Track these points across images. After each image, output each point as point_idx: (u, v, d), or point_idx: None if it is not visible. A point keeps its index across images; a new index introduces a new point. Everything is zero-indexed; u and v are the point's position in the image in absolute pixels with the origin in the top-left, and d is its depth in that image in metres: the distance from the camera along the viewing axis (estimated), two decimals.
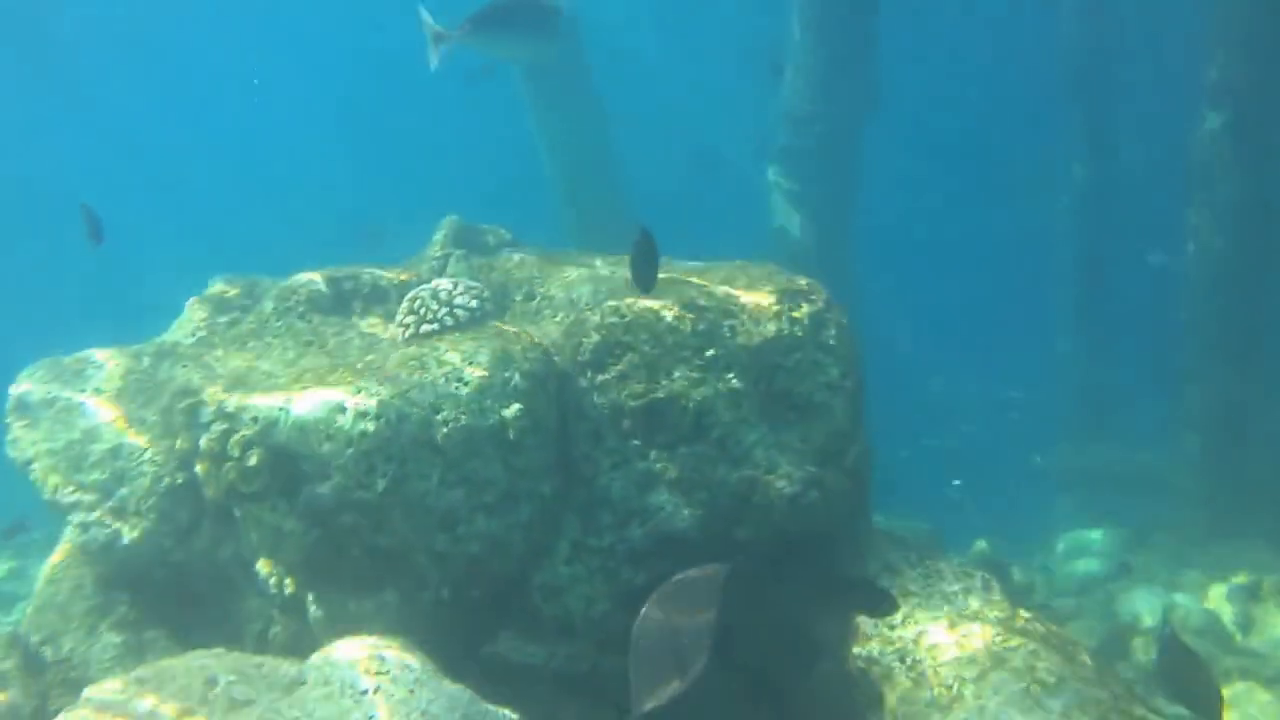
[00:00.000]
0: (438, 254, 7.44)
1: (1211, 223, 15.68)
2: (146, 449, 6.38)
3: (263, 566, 6.22)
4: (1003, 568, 11.80)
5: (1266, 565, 13.47)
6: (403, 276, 7.22)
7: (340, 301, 7.10)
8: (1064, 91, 19.70)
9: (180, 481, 6.29)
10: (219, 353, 6.62)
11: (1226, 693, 9.85)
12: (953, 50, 29.23)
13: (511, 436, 5.75)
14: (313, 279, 7.11)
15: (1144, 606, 11.57)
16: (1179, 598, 11.71)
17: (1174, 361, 16.70)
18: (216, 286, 7.15)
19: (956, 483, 16.32)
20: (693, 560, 5.88)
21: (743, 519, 6.16)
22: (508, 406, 5.75)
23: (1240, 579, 12.58)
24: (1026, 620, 6.19)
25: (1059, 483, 17.86)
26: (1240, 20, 15.05)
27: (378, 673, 5.25)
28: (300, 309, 6.91)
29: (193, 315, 7.02)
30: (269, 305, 6.94)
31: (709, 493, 6.10)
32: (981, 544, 13.26)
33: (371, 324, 6.88)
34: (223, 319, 6.95)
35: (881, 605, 6.18)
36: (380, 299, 7.13)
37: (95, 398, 6.62)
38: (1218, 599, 12.19)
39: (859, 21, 14.82)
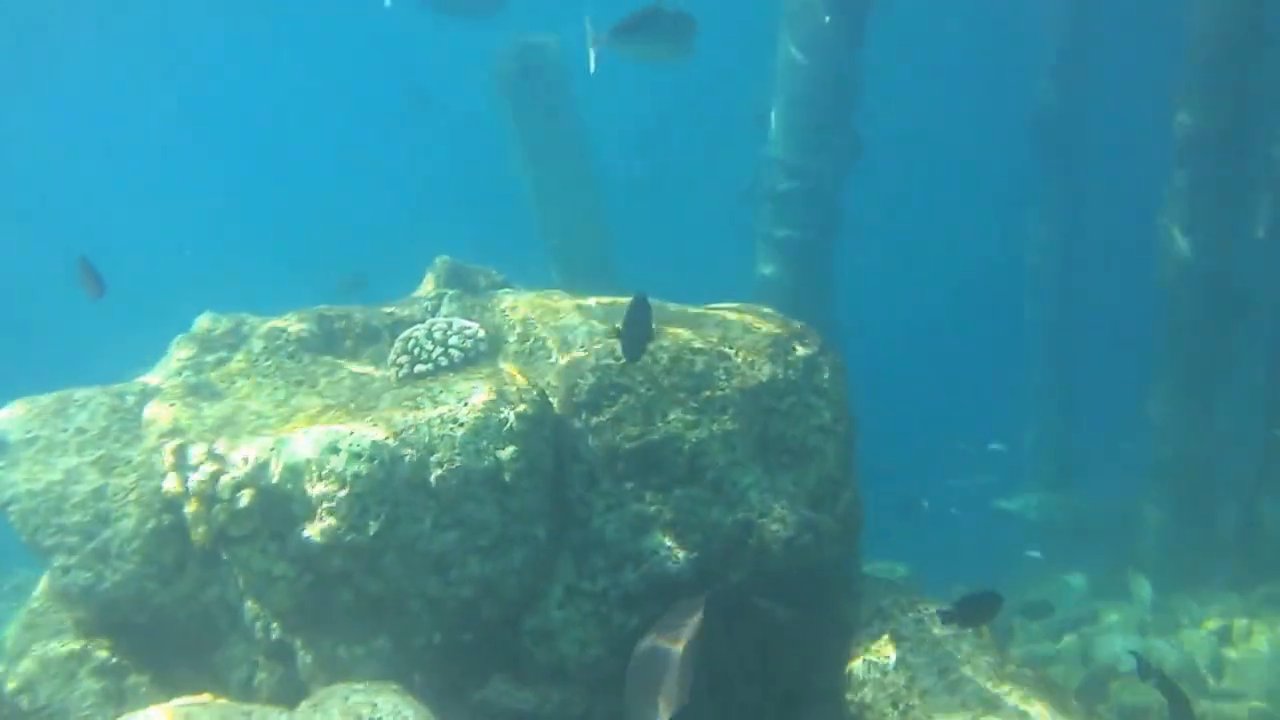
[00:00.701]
0: (431, 294, 7.42)
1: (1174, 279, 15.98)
2: (131, 490, 6.29)
3: (250, 610, 6.15)
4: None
5: (1234, 609, 13.64)
6: (395, 317, 7.18)
7: (331, 341, 7.06)
8: (1034, 155, 20.16)
9: (166, 523, 6.20)
10: (206, 392, 6.53)
11: None
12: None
13: (507, 479, 5.73)
14: (303, 318, 7.06)
15: (1121, 651, 11.61)
16: (1155, 642, 11.78)
17: (1140, 414, 16.92)
18: (203, 323, 7.08)
19: (925, 503, 16.53)
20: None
21: (737, 562, 6.16)
22: (503, 449, 5.72)
23: (1211, 624, 12.73)
24: (1016, 666, 6.22)
25: (1030, 529, 18.04)
26: (1205, 77, 15.36)
27: (369, 719, 5.20)
28: (290, 348, 6.86)
29: (178, 353, 6.94)
30: (258, 344, 6.88)
31: (704, 535, 6.10)
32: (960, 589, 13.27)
33: (363, 364, 6.83)
34: (210, 357, 6.88)
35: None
36: (372, 339, 7.09)
37: (78, 438, 6.52)
38: (1191, 643, 12.29)
39: (846, 72, 15.06)
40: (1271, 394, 16.27)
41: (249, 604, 6.17)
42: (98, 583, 6.30)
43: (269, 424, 5.94)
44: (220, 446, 5.71)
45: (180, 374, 6.79)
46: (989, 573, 15.26)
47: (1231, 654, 12.08)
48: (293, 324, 6.99)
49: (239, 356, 6.83)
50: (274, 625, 6.08)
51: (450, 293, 7.35)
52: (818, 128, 15.13)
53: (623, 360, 6.09)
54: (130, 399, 6.69)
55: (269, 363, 6.76)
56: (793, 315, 7.09)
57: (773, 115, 15.25)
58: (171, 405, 6.31)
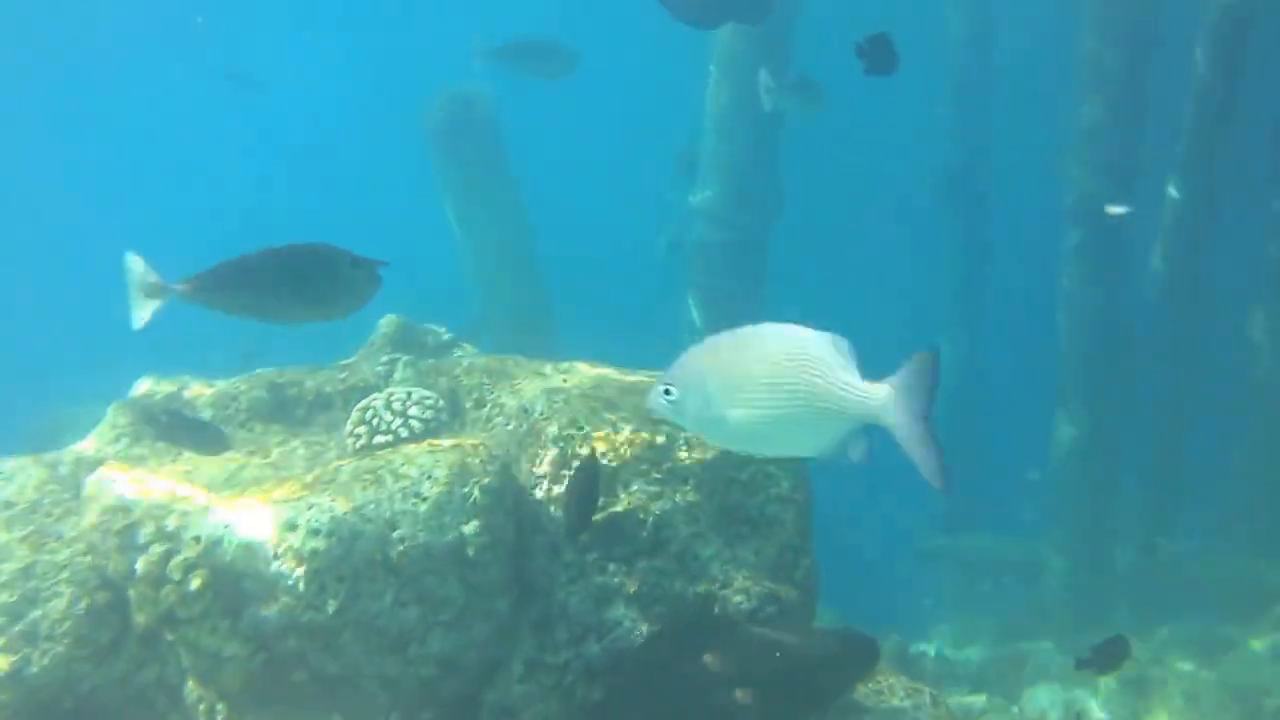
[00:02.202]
0: (383, 359, 7.34)
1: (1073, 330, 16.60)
2: (64, 568, 6.10)
3: (191, 691, 6.00)
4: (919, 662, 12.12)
5: (1139, 657, 14.06)
6: (348, 383, 7.10)
7: (282, 408, 6.96)
8: (939, 203, 20.78)
9: (102, 601, 6.05)
10: (151, 463, 6.38)
11: None
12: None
13: (470, 554, 5.71)
14: (253, 384, 6.95)
15: (1047, 703, 11.90)
16: (1078, 693, 12.08)
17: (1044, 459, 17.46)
18: (143, 387, 6.91)
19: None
20: (650, 675, 5.91)
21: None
22: (467, 523, 5.70)
23: (1127, 670, 13.09)
24: None
25: (937, 568, 18.43)
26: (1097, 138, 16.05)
27: None
28: (241, 416, 6.75)
29: (116, 419, 6.77)
30: (206, 413, 6.74)
31: (667, 607, 6.11)
32: (895, 637, 13.49)
33: (316, 434, 6.74)
34: (150, 427, 6.70)
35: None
36: (324, 406, 7.02)
37: (5, 512, 6.31)
38: (1108, 693, 12.62)
39: (768, 127, 15.44)
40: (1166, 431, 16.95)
41: (191, 684, 6.03)
42: (24, 667, 6.07)
43: (221, 498, 5.82)
44: (171, 524, 5.58)
45: (118, 441, 6.62)
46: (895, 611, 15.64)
47: (1146, 704, 12.45)
48: (243, 390, 6.87)
49: None
50: (219, 706, 5.95)
51: (404, 358, 7.29)
52: (746, 178, 15.48)
53: (585, 430, 6.10)
54: (64, 469, 6.52)
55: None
56: None
57: (700, 163, 15.56)
58: (114, 479, 6.13)
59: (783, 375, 4.35)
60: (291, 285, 5.10)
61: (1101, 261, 16.30)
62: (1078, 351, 16.57)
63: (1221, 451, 17.16)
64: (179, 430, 6.51)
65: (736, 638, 6.04)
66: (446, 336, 7.86)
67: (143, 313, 5.11)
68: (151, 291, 5.11)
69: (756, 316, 13.86)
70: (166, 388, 6.94)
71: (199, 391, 6.97)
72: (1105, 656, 6.29)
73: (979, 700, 12.78)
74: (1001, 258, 21.62)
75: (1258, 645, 14.06)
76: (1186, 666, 13.39)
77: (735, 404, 4.47)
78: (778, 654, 6.06)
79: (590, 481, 5.64)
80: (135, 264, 5.13)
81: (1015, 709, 12.31)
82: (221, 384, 7.00)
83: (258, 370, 7.21)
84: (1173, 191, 16.42)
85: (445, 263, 17.63)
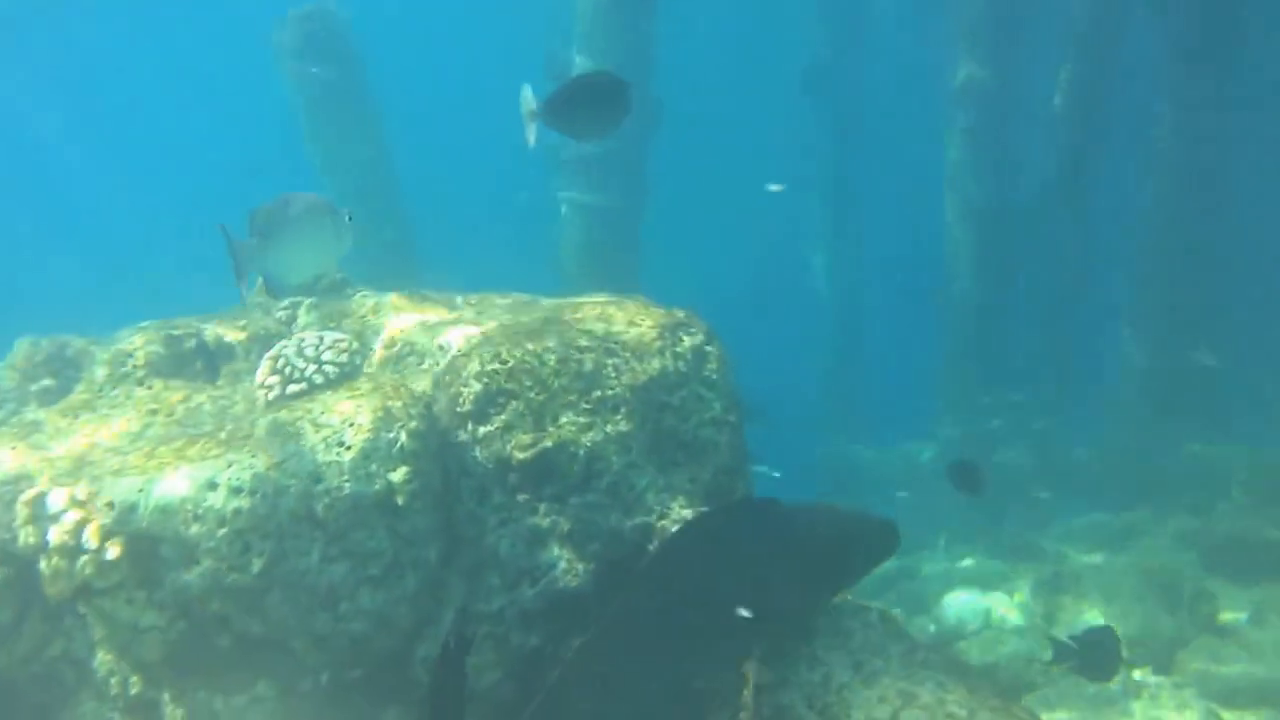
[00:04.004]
0: (283, 304, 7.11)
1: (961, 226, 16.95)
2: None
3: (103, 663, 5.84)
4: None
5: (1044, 553, 14.59)
6: (248, 331, 6.87)
7: (181, 363, 6.74)
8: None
9: (1, 578, 5.79)
10: (49, 429, 6.13)
11: (1051, 692, 10.62)
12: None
13: (399, 503, 5.65)
14: (148, 338, 6.68)
15: (966, 610, 12.22)
16: (994, 598, 12.43)
17: (934, 363, 17.87)
18: (22, 350, 6.61)
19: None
20: (589, 616, 5.90)
21: None
22: (395, 470, 5.62)
23: (1042, 572, 13.55)
24: (925, 652, 6.42)
25: (831, 480, 18.78)
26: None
27: None
28: (139, 374, 6.51)
29: (3, 385, 6.46)
30: (100, 371, 6.50)
31: (603, 544, 6.12)
32: None
33: (220, 387, 6.53)
34: (33, 387, 6.43)
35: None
36: (226, 357, 6.81)
37: None
38: (1024, 596, 13.01)
39: (637, 36, 15.26)
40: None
41: (102, 656, 5.88)
42: None
43: (130, 462, 5.64)
44: (81, 492, 5.38)
45: (6, 409, 6.34)
46: None
47: (1061, 602, 12.86)
48: (138, 346, 6.60)
49: (81, 387, 6.44)
50: (133, 679, 5.83)
51: (307, 301, 7.11)
52: None
53: (509, 364, 6.05)
54: None
55: (117, 392, 6.42)
56: (597, 279, 7.12)
57: (570, 73, 15.32)
58: (13, 448, 5.87)
59: None
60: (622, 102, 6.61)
61: (988, 145, 16.61)
62: (964, 239, 16.92)
63: (1112, 346, 17.73)
64: None
65: (776, 514, 6.06)
66: (339, 276, 7.66)
67: (530, 134, 6.40)
68: (531, 117, 6.38)
69: (634, 232, 13.86)
70: (45, 348, 6.64)
71: (85, 349, 6.68)
72: (1093, 653, 6.47)
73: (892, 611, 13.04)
74: (873, 146, 22.03)
75: (1161, 530, 14.62)
76: (1096, 559, 13.87)
77: None
78: (817, 530, 6.17)
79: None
80: (526, 94, 6.37)
81: (932, 626, 12.58)
82: (115, 342, 6.71)
83: (145, 323, 6.93)
84: (1063, 76, 16.79)
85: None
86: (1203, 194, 16.60)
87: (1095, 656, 8.44)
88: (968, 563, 14.99)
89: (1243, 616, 12.54)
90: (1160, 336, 16.81)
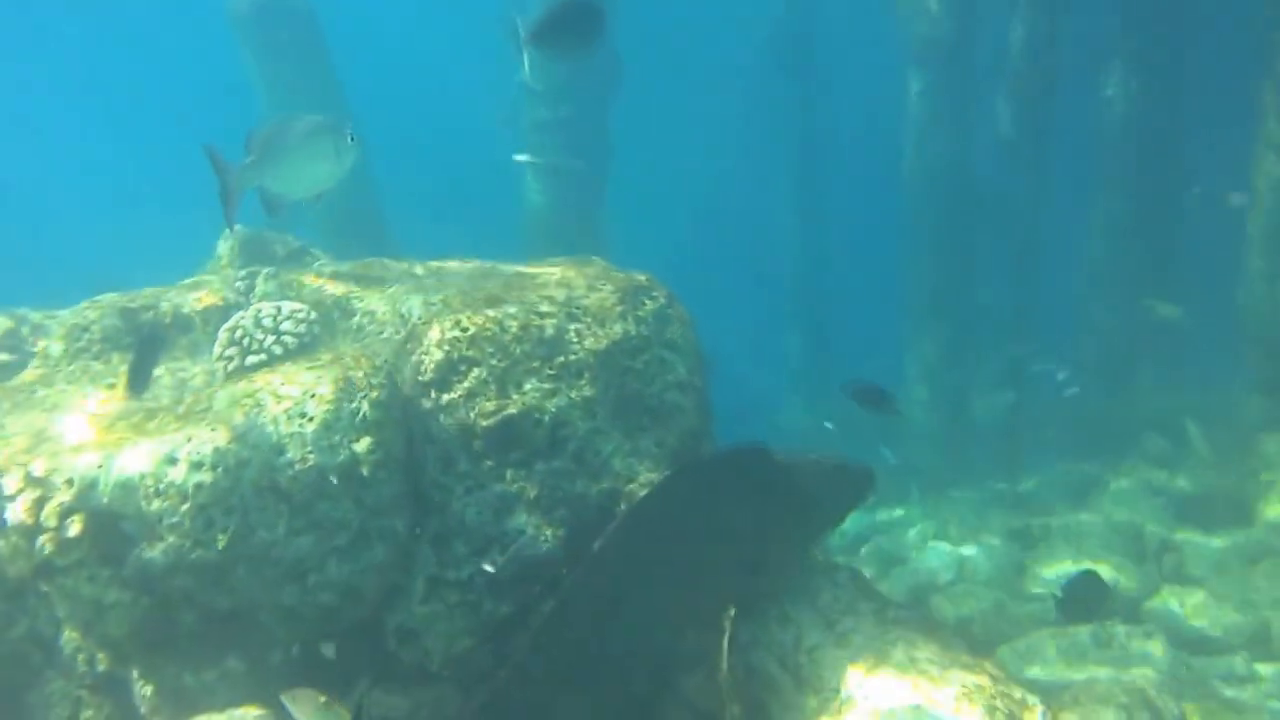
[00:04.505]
0: (240, 274, 7.00)
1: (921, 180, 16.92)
2: None
3: (69, 641, 5.77)
4: None
5: (1015, 505, 14.64)
6: (206, 302, 6.76)
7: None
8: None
9: None
10: (4, 405, 6.02)
11: (1022, 644, 10.66)
12: None
13: (364, 473, 5.58)
14: (103, 311, 6.56)
15: (938, 564, 12.24)
16: (965, 550, 12.44)
17: (896, 327, 17.87)
18: None
19: None
20: (558, 582, 5.85)
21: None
22: (358, 441, 5.55)
23: (1013, 525, 13.59)
24: (896, 609, 6.38)
25: (802, 436, 18.77)
26: None
27: None
28: (95, 348, 6.40)
29: None
30: (57, 346, 6.38)
31: (570, 510, 6.08)
32: None
33: (179, 359, 6.42)
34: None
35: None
36: (184, 329, 6.69)
37: None
38: (995, 548, 13.03)
39: None
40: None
41: (68, 635, 5.81)
42: None
43: (89, 438, 5.54)
44: (38, 469, 5.29)
45: None
46: None
47: (1031, 556, 12.91)
48: (94, 319, 6.49)
49: (36, 362, 6.31)
50: (100, 656, 5.77)
51: (264, 271, 7.00)
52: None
53: (471, 331, 5.98)
54: None
55: (73, 366, 6.31)
56: (560, 243, 7.06)
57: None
58: None
59: None
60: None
61: (947, 105, 16.57)
62: (925, 201, 16.90)
63: (1073, 304, 17.78)
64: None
65: (763, 462, 6.05)
66: (296, 244, 7.55)
67: (526, 64, 6.75)
68: (525, 45, 6.51)
69: (598, 195, 13.70)
70: (4, 323, 6.52)
71: (40, 324, 6.56)
72: (1083, 599, 6.53)
73: (866, 571, 13.03)
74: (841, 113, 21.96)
75: (1125, 482, 14.67)
76: (1065, 511, 13.90)
77: None
78: (798, 477, 6.17)
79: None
80: (517, 26, 6.53)
81: (905, 580, 12.56)
82: (66, 315, 6.59)
83: (100, 296, 6.81)
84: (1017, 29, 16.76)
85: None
86: (1155, 148, 16.74)
87: (1083, 601, 8.67)
88: (939, 516, 15.02)
89: (1206, 565, 12.64)
90: (1121, 289, 16.86)
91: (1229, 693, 10.18)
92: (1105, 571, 11.79)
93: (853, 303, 22.24)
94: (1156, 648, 10.79)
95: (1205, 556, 12.80)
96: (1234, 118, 14.94)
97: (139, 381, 5.70)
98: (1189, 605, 11.54)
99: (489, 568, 5.68)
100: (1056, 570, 12.38)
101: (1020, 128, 16.92)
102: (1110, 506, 14.00)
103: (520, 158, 15.71)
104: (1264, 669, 10.63)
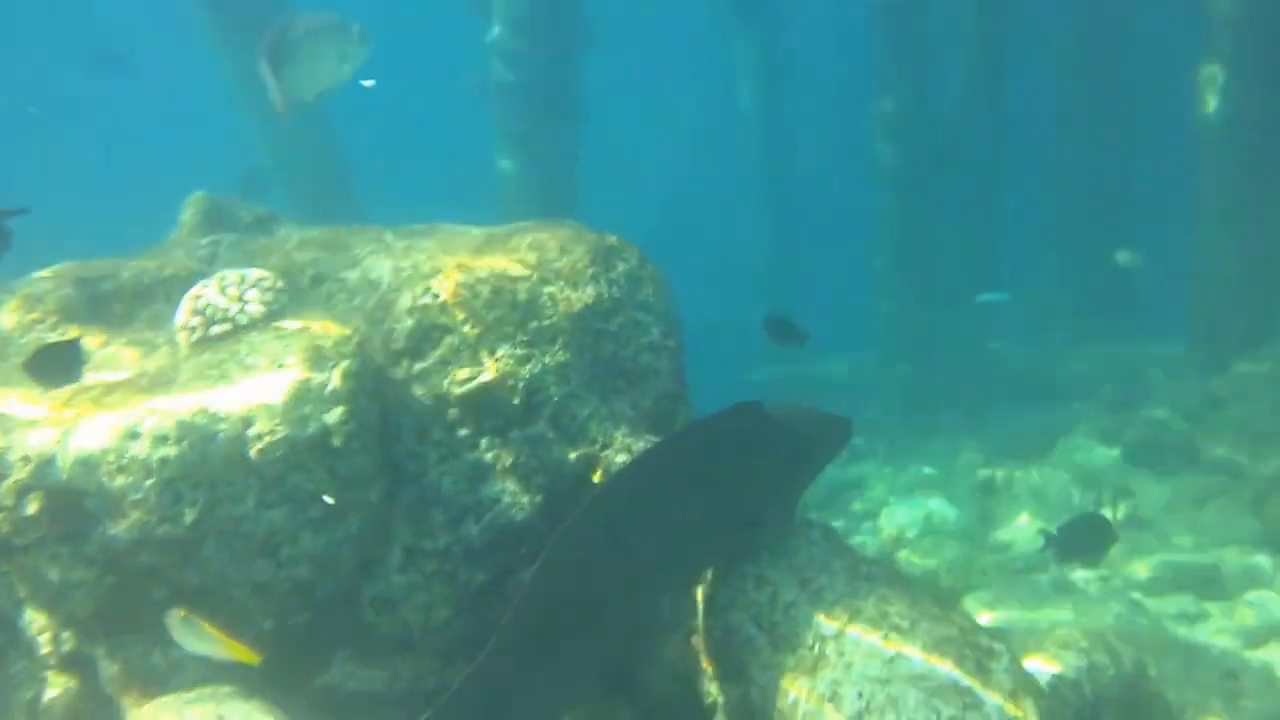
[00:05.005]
0: (203, 241, 6.68)
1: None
2: None
3: (33, 622, 5.50)
4: None
5: (978, 457, 14.67)
6: (168, 271, 6.44)
7: (98, 306, 6.30)
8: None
9: None
10: None
11: (987, 594, 10.67)
12: None
13: (336, 444, 5.34)
14: (59, 281, 6.22)
15: (906, 518, 12.19)
16: (932, 503, 12.41)
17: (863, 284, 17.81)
18: None
19: None
20: (537, 550, 5.67)
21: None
22: (329, 411, 5.30)
23: (977, 476, 13.61)
24: (870, 566, 6.28)
25: (773, 392, 18.69)
26: None
27: None
28: (51, 320, 6.06)
29: None
30: (9, 320, 6.03)
31: (547, 476, 5.90)
32: None
33: (140, 331, 6.11)
34: None
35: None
36: (145, 299, 6.37)
37: None
38: (960, 500, 13.04)
39: None
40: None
41: (29, 615, 5.54)
42: None
43: (43, 413, 5.25)
44: None
45: None
46: None
47: (995, 504, 12.96)
48: (49, 290, 6.15)
49: None
50: (65, 635, 5.50)
51: (228, 238, 6.69)
52: (538, 7, 14.77)
53: (442, 298, 5.76)
54: None
55: (27, 340, 5.95)
56: (533, 210, 6.85)
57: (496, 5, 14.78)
58: None
59: None
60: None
61: (907, 56, 16.44)
62: (892, 156, 16.80)
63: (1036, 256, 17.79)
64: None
65: (763, 416, 5.84)
66: (263, 212, 7.25)
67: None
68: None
69: (569, 158, 13.48)
70: None
71: None
72: (1083, 539, 6.53)
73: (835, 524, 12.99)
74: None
75: (1082, 430, 14.77)
76: (1027, 461, 13.95)
77: None
78: (794, 429, 6.00)
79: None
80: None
81: (873, 535, 12.53)
82: (18, 285, 6.25)
83: (57, 265, 6.47)
84: None
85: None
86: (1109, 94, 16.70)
87: (1086, 541, 9.10)
88: (907, 470, 15.06)
89: (1159, 508, 12.78)
90: (1079, 238, 16.86)
91: (1181, 632, 10.28)
92: (1065, 519, 11.88)
93: (821, 258, 22.13)
94: (1112, 591, 10.87)
95: (1157, 499, 12.96)
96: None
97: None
98: (1142, 548, 11.65)
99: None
100: (1019, 519, 12.45)
101: (979, 76, 16.88)
102: (1070, 454, 14.10)
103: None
104: (1212, 607, 10.75)
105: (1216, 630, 10.34)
